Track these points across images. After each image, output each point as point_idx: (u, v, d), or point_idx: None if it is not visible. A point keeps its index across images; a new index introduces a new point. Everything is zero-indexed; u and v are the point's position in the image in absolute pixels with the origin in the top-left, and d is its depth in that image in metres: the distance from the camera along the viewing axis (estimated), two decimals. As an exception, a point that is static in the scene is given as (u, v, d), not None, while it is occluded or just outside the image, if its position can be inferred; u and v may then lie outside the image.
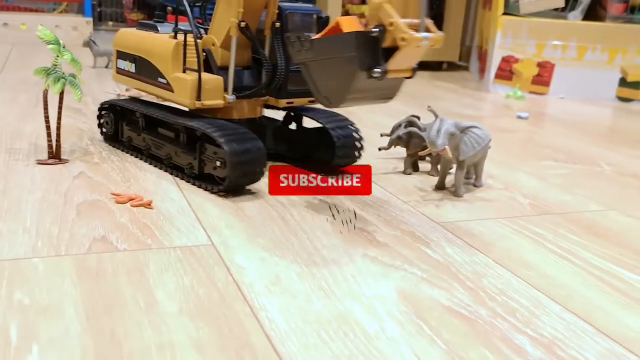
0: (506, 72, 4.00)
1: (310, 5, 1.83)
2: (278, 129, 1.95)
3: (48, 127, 1.80)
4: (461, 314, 1.11)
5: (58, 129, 1.81)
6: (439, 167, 1.89)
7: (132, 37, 1.90)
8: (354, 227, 1.46)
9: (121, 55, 1.94)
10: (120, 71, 1.96)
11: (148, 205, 1.52)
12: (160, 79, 1.75)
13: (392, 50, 1.28)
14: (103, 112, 2.03)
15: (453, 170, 1.78)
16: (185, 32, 1.66)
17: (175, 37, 1.70)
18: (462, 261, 1.33)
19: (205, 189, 1.64)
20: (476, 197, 1.77)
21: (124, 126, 1.96)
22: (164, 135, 1.80)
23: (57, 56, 1.78)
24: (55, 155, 1.82)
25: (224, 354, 0.95)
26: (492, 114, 3.39)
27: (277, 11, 1.72)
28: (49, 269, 1.17)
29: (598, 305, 1.18)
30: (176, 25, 1.70)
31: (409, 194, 1.74)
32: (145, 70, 1.81)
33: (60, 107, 1.80)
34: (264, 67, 1.71)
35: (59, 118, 1.81)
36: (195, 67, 1.64)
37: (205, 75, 1.65)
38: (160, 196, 1.59)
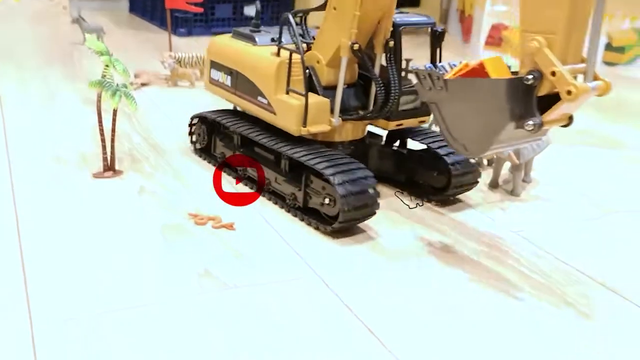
0: (496, 39, 4.04)
1: (424, 17, 1.66)
2: (382, 148, 1.76)
3: (103, 140, 1.75)
4: None
5: (112, 140, 1.77)
6: (485, 161, 1.94)
7: (227, 49, 1.77)
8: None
9: (215, 65, 1.80)
10: (213, 82, 1.82)
11: (230, 227, 1.52)
12: (260, 99, 1.63)
13: (547, 98, 1.16)
14: (194, 122, 1.91)
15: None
16: (291, 51, 1.51)
17: (278, 54, 1.58)
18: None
19: (316, 228, 1.51)
20: (531, 195, 1.82)
21: (217, 140, 1.84)
22: (263, 157, 1.68)
23: (107, 66, 1.71)
24: (110, 167, 1.78)
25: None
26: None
27: (391, 28, 1.56)
28: (175, 318, 1.17)
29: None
30: (280, 38, 1.56)
31: (471, 196, 1.77)
32: (243, 86, 1.69)
33: (114, 119, 1.75)
34: (377, 91, 1.56)
35: (113, 130, 1.76)
36: (299, 89, 1.52)
37: (311, 99, 1.52)
38: (233, 211, 1.59)
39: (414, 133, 1.71)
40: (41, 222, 1.50)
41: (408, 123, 1.64)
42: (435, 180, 1.68)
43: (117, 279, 1.28)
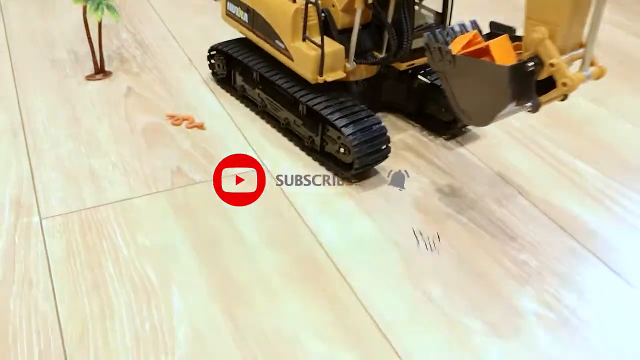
0: None
1: None
2: (393, 81, 1.82)
3: (92, 48, 1.99)
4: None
5: (100, 47, 2.01)
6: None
7: None
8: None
9: None
10: (230, 14, 1.86)
11: (201, 127, 1.80)
12: (277, 42, 1.68)
13: (546, 80, 1.23)
14: (213, 54, 1.98)
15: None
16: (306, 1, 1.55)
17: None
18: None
19: (335, 173, 1.63)
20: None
21: (237, 75, 1.91)
22: (282, 98, 1.75)
23: (90, -21, 1.91)
24: (100, 69, 2.03)
25: (301, 275, 1.32)
26: None
27: None
28: (150, 209, 1.49)
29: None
30: None
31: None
32: (260, 26, 1.74)
33: (100, 30, 1.98)
34: (389, 39, 1.62)
35: (100, 40, 1.99)
36: (316, 34, 1.57)
37: (327, 48, 1.57)
38: (207, 113, 1.86)
39: (424, 69, 1.80)
40: (40, 123, 1.79)
41: (420, 62, 1.70)
42: (443, 115, 1.76)
43: (102, 175, 1.59)
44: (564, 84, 1.18)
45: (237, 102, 1.92)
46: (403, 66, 1.69)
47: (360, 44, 1.63)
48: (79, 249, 1.37)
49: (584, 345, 1.20)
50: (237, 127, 1.81)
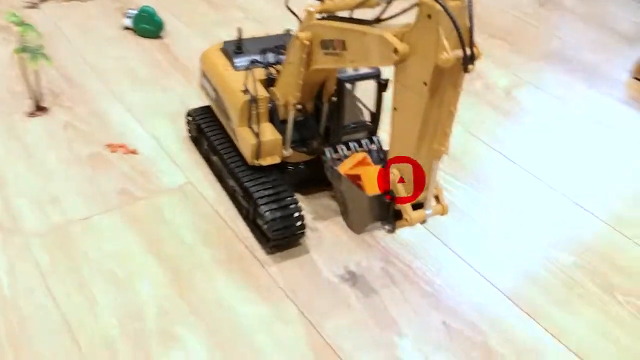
0: None
1: (372, 70, 1.90)
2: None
3: (29, 87, 2.39)
4: None
5: (37, 85, 2.40)
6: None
7: (213, 66, 2.05)
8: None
9: (205, 75, 2.13)
10: (203, 88, 2.17)
11: (134, 152, 2.26)
12: (231, 123, 1.96)
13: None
14: (189, 118, 2.27)
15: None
16: (252, 97, 1.83)
17: (245, 92, 1.87)
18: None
19: (260, 243, 1.90)
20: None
21: (204, 139, 2.17)
22: (230, 169, 1.99)
23: (23, 35, 2.30)
24: (38, 106, 2.43)
25: (228, 268, 1.85)
26: None
27: (334, 87, 1.86)
28: (107, 223, 1.96)
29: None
30: (246, 82, 1.87)
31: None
32: (221, 105, 2.01)
33: (37, 75, 2.38)
34: (318, 139, 1.89)
35: (37, 78, 2.39)
36: (259, 123, 1.84)
37: (265, 137, 1.84)
38: (135, 139, 2.32)
39: None
40: None
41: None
42: None
43: (62, 199, 2.03)
44: (406, 220, 1.44)
45: (171, 137, 2.36)
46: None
47: (300, 132, 1.92)
48: (60, 259, 1.82)
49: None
50: (165, 151, 2.29)
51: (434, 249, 1.97)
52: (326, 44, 1.63)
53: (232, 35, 2.09)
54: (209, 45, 2.16)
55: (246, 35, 2.09)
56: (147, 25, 3.01)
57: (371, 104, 1.98)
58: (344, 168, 1.65)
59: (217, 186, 2.13)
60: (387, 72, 1.89)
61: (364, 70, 1.90)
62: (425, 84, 1.30)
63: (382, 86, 1.93)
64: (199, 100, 2.31)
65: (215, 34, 3.04)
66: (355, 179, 1.58)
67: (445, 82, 1.30)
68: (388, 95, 1.87)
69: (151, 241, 1.91)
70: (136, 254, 1.86)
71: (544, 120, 2.74)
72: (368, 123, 2.00)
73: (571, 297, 1.87)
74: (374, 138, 1.76)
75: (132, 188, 2.11)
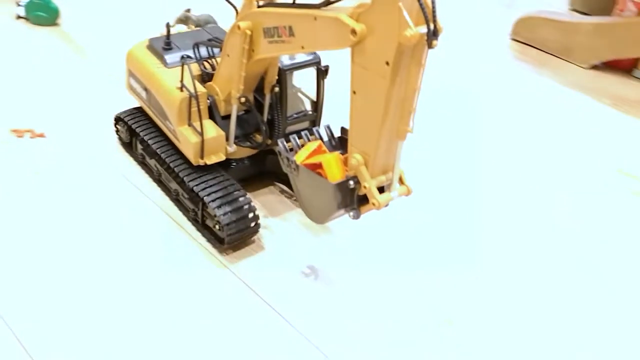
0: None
1: (311, 56, 1.85)
2: (275, 155, 1.88)
3: None
4: None
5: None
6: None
7: (142, 65, 1.93)
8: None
9: (133, 75, 1.99)
10: (132, 89, 2.02)
11: (42, 135, 2.15)
12: (168, 123, 1.86)
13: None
14: (118, 122, 2.12)
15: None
16: (190, 95, 1.74)
17: (181, 89, 1.78)
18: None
19: (213, 245, 1.82)
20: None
21: (138, 142, 2.04)
22: (172, 171, 1.89)
23: None
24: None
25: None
26: None
27: (276, 76, 1.79)
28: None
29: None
30: (182, 78, 1.77)
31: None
32: (156, 105, 1.89)
33: None
34: (264, 133, 1.82)
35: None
36: (200, 121, 1.75)
37: (208, 134, 1.76)
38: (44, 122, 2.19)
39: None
40: None
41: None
42: None
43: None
44: (373, 204, 1.40)
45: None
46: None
47: (243, 127, 1.85)
48: None
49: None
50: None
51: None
52: (270, 32, 1.57)
53: (133, 19, 1.97)
54: (112, 34, 2.02)
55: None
56: (42, 13, 2.84)
57: (311, 92, 1.94)
58: (300, 158, 1.59)
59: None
60: (327, 59, 1.90)
61: (302, 57, 1.85)
62: (387, 63, 1.27)
63: (322, 73, 1.90)
64: (118, 92, 2.18)
65: (119, 19, 2.89)
66: (315, 168, 1.52)
67: (408, 60, 1.28)
68: (329, 83, 1.92)
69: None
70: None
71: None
72: (310, 112, 1.97)
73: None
74: (324, 126, 1.72)
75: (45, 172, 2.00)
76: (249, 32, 1.62)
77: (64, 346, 1.51)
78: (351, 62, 1.36)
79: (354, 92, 1.38)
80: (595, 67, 3.14)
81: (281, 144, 1.63)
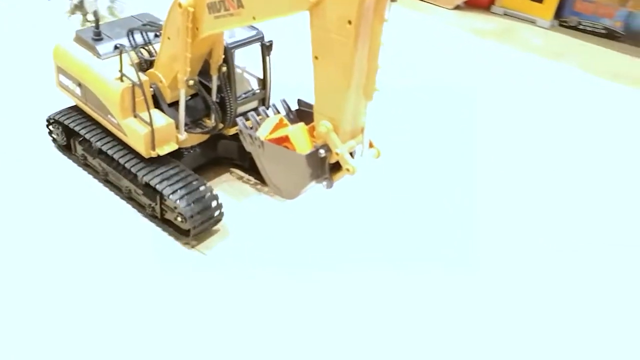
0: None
1: (254, 32, 1.79)
2: (227, 140, 1.90)
3: None
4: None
5: None
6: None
7: (72, 60, 1.77)
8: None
9: (62, 71, 1.81)
10: (63, 86, 1.84)
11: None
12: (110, 117, 1.73)
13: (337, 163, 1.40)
14: (51, 124, 1.93)
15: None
16: (133, 83, 1.61)
17: (121, 78, 1.67)
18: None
19: (175, 238, 1.73)
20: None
21: (77, 144, 1.90)
22: (122, 168, 1.77)
23: None
24: None
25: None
26: None
27: (222, 55, 1.71)
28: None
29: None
30: (121, 67, 1.65)
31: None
32: (93, 100, 1.76)
33: None
34: (213, 113, 1.73)
35: None
36: (145, 110, 1.63)
37: (157, 124, 1.66)
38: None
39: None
40: None
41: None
42: None
43: None
44: (347, 170, 1.36)
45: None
46: (232, 131, 1.81)
47: (191, 113, 1.75)
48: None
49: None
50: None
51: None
52: (216, 7, 1.49)
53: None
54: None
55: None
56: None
57: (256, 70, 1.87)
58: (263, 134, 1.52)
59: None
60: (270, 33, 1.84)
61: (245, 34, 1.78)
62: (349, 22, 1.23)
63: (267, 48, 1.83)
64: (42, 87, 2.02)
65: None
66: (280, 142, 1.48)
67: (371, 16, 1.24)
68: (274, 58, 1.84)
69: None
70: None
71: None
72: (258, 90, 1.90)
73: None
74: (280, 100, 1.67)
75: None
76: (191, 9, 1.54)
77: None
78: (310, 26, 1.30)
79: (316, 58, 1.33)
80: (458, 7, 3.57)
81: (241, 122, 1.55)
